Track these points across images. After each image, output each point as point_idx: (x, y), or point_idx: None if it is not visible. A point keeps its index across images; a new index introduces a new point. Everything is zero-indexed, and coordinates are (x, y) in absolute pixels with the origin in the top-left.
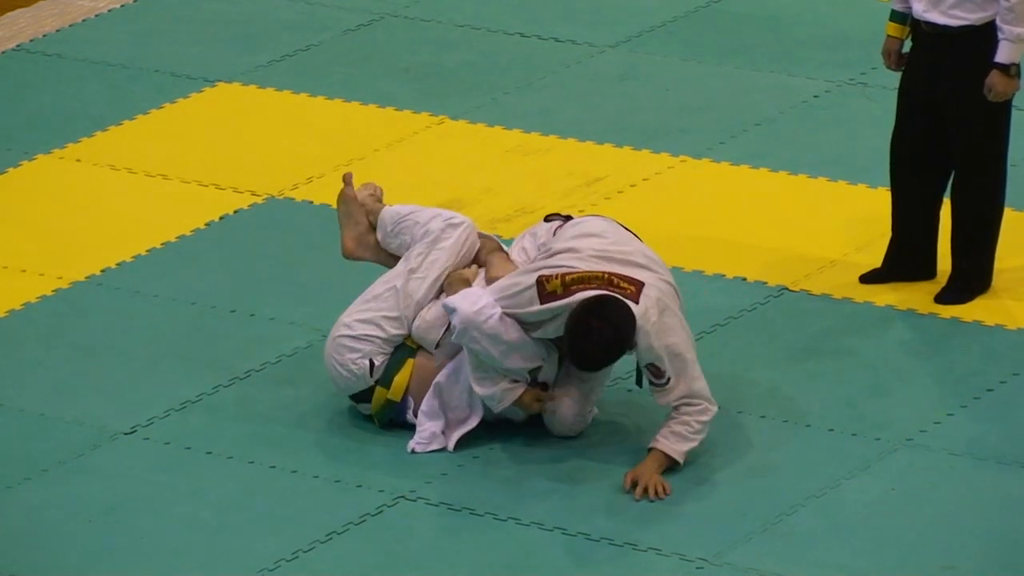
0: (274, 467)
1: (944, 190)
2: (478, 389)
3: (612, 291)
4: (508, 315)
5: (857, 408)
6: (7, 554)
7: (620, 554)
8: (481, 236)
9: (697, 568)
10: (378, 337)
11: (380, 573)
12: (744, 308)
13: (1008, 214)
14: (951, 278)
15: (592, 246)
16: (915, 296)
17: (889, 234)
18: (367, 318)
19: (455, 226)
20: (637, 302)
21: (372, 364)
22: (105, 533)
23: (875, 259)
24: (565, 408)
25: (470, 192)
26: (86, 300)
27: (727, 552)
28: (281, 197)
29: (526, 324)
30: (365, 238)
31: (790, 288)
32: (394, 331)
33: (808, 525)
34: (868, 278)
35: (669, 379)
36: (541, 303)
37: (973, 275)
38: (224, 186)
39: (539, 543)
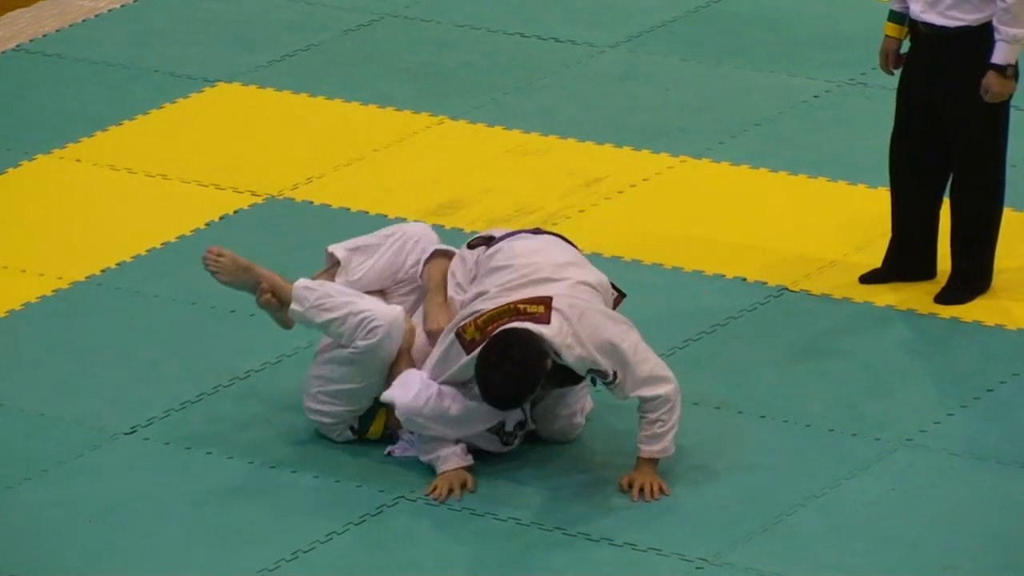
0: (274, 467)
1: (944, 190)
2: (422, 457)
3: (522, 320)
4: (448, 382)
5: (857, 408)
6: (7, 554)
7: (620, 554)
8: (428, 261)
9: (697, 568)
10: (347, 414)
11: (380, 573)
12: (744, 308)
13: (1008, 214)
14: (951, 278)
15: (497, 282)
16: (915, 296)
17: (889, 234)
18: (331, 411)
19: (374, 343)
20: (548, 321)
21: (352, 428)
22: (105, 533)
23: (875, 259)
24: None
25: (470, 192)
26: (86, 300)
27: (727, 552)
28: (281, 197)
29: (468, 382)
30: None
31: (790, 288)
32: (360, 407)
33: (808, 525)
34: (868, 278)
35: (615, 374)
36: (467, 353)
37: (973, 275)
38: (224, 186)
39: (539, 543)
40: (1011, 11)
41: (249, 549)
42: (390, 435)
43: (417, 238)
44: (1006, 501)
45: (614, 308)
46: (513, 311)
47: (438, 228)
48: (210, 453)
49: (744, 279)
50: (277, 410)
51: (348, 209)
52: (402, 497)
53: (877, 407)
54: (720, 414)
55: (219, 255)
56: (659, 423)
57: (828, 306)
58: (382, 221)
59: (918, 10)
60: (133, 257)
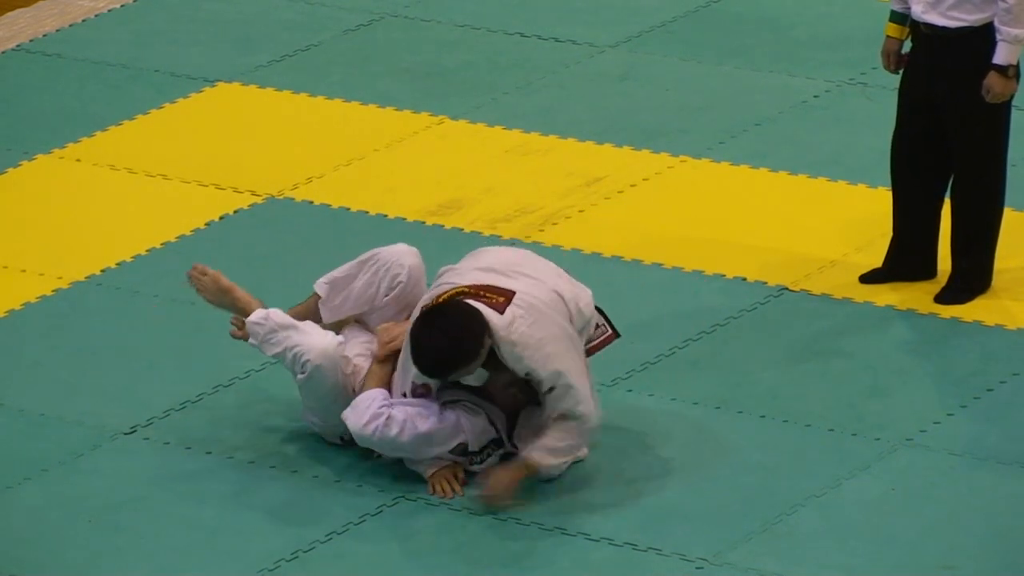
0: (274, 467)
1: (945, 190)
2: (408, 465)
3: (477, 301)
4: (421, 383)
5: (857, 408)
6: (7, 554)
7: (620, 554)
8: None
9: (697, 568)
10: (329, 427)
11: (380, 573)
12: (744, 308)
13: (1008, 214)
14: (951, 278)
15: (473, 264)
16: (915, 296)
17: (889, 234)
18: (315, 422)
19: (306, 377)
20: (503, 312)
21: (342, 437)
22: (105, 533)
23: (875, 259)
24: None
25: (470, 192)
26: (86, 300)
27: (727, 552)
28: (281, 197)
29: (434, 392)
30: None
31: (790, 288)
32: (334, 424)
33: (808, 525)
34: (868, 278)
35: (552, 389)
36: None
37: (973, 275)
38: (224, 186)
39: (539, 543)
40: (1012, 11)
41: (249, 549)
42: None
43: (388, 265)
44: (1006, 501)
45: (603, 345)
46: (473, 293)
47: (438, 228)
48: (210, 453)
49: (744, 279)
50: (277, 410)
51: (348, 209)
52: (402, 497)
53: (877, 407)
54: (720, 414)
55: (203, 273)
56: (565, 438)
57: (828, 306)
58: (382, 221)
59: (919, 11)
60: (133, 257)
